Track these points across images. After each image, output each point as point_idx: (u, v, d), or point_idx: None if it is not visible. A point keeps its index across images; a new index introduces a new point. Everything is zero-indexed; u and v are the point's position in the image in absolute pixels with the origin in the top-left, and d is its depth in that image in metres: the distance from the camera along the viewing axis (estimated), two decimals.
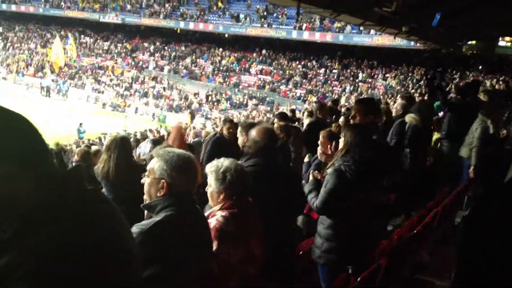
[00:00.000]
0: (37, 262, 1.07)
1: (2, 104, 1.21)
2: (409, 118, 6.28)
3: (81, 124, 25.62)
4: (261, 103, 35.94)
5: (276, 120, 7.01)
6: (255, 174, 3.27)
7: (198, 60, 44.06)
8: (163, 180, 2.34)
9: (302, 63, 40.15)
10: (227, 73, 41.05)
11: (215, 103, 36.98)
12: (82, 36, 50.61)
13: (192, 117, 33.09)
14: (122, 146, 4.42)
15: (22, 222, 1.12)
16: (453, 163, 7.16)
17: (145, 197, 2.43)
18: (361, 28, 32.03)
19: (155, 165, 2.39)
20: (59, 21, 51.66)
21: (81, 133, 24.51)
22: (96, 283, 1.12)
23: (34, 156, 1.18)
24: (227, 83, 39.94)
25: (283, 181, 3.63)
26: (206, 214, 2.80)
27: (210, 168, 2.89)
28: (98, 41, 49.87)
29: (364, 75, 36.25)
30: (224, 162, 2.88)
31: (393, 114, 6.72)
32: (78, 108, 34.85)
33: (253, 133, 3.68)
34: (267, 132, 3.71)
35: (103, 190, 4.37)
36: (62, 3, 50.61)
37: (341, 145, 3.82)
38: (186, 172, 2.37)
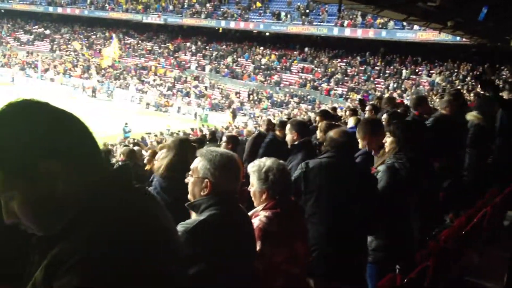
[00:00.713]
0: (89, 251, 1.07)
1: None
2: (471, 116, 6.08)
3: (126, 124, 26.16)
4: (302, 102, 35.76)
5: (318, 118, 6.94)
6: (329, 166, 3.41)
7: (239, 59, 44.26)
8: (206, 179, 2.35)
9: (344, 60, 39.75)
10: (268, 72, 41.06)
11: (257, 102, 37.05)
12: (126, 37, 51.66)
13: (234, 116, 33.40)
14: (180, 147, 4.52)
15: (74, 216, 1.14)
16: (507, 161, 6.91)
17: (189, 196, 2.45)
18: (405, 23, 31.45)
19: (198, 164, 2.40)
20: (103, 23, 52.91)
21: (127, 133, 25.02)
22: (145, 273, 1.11)
23: (84, 155, 1.19)
24: (268, 81, 39.95)
25: (357, 180, 3.61)
26: (250, 213, 2.80)
27: (252, 168, 2.88)
28: (141, 41, 50.79)
29: (408, 71, 35.56)
30: (266, 161, 2.87)
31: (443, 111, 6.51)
32: (123, 108, 35.60)
33: (332, 133, 3.69)
34: (347, 132, 3.74)
35: (153, 188, 4.46)
36: (107, 5, 51.84)
37: (389, 142, 3.76)
38: (229, 171, 2.38)
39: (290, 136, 4.72)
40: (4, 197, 1.14)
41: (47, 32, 55.55)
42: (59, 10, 53.68)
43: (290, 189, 2.93)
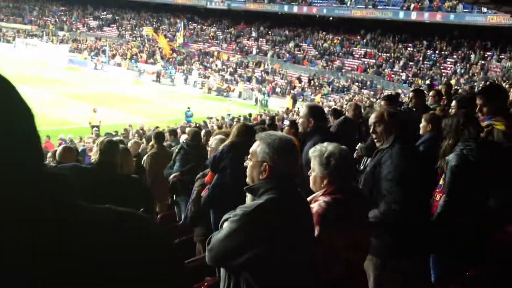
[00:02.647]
0: None
1: None
2: None
3: (188, 108, 26.61)
4: (364, 87, 35.09)
5: (383, 103, 6.75)
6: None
7: (301, 44, 43.92)
8: (265, 163, 2.33)
9: (409, 44, 38.59)
10: (330, 57, 40.52)
11: (317, 88, 36.70)
12: (190, 22, 52.41)
13: (294, 101, 33.24)
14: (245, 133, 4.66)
15: None
16: None
17: (247, 180, 2.45)
18: (474, 6, 30.10)
19: (257, 148, 2.39)
20: (169, 8, 53.92)
21: (189, 117, 25.45)
22: None
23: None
24: (330, 67, 39.44)
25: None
26: (309, 198, 2.77)
27: (314, 153, 2.84)
28: (205, 27, 51.38)
29: (476, 56, 34.06)
30: (328, 146, 2.82)
31: None
32: (186, 93, 36.27)
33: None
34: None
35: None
36: None
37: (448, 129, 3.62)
38: (288, 154, 2.35)
39: (305, 121, 4.49)
40: None
41: (115, 18, 57.23)
42: None
43: (352, 175, 2.87)
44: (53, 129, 21.43)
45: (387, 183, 3.28)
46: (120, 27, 55.07)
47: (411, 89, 29.12)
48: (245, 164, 2.48)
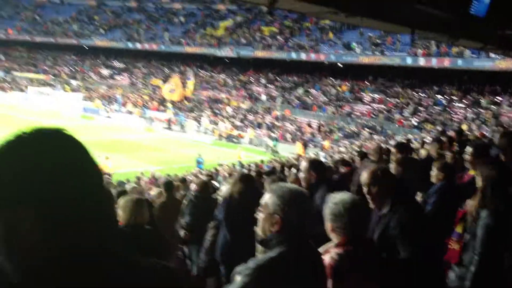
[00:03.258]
0: None
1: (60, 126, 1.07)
2: None
3: (199, 155, 26.74)
4: (374, 133, 35.16)
5: (394, 151, 6.72)
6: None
7: (310, 90, 44.41)
8: (276, 215, 2.34)
9: (418, 90, 38.87)
10: (340, 103, 40.85)
11: (328, 133, 36.84)
12: (200, 70, 53.34)
13: (305, 147, 33.24)
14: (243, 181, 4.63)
15: (40, 267, 0.96)
16: None
17: (259, 231, 2.45)
18: (481, 52, 30.40)
19: (268, 200, 2.39)
20: (179, 57, 55.02)
21: (200, 164, 25.53)
22: None
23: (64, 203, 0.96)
24: (340, 112, 39.71)
25: None
26: (320, 250, 2.75)
27: (326, 204, 2.84)
28: (214, 74, 52.26)
29: (486, 101, 34.16)
30: (341, 196, 2.82)
31: None
32: (196, 140, 36.56)
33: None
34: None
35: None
36: (182, 40, 53.99)
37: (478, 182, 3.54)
38: (299, 206, 2.35)
39: (307, 176, 4.49)
40: None
41: (127, 66, 58.46)
42: (138, 45, 56.44)
43: (366, 226, 2.85)
44: None
45: (405, 250, 3.21)
46: (131, 76, 56.17)
47: (422, 134, 29.23)
48: (256, 215, 2.49)
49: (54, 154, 0.98)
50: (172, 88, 43.84)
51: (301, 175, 4.57)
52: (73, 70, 60.05)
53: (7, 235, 0.94)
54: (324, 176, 4.48)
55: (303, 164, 4.63)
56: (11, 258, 0.95)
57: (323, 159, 19.57)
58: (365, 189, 3.46)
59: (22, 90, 53.12)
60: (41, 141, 0.99)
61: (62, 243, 0.95)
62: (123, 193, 6.44)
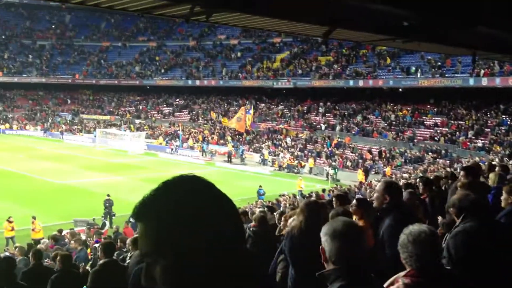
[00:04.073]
0: None
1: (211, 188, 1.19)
2: None
3: (260, 186, 26.87)
4: (439, 157, 34.11)
5: (462, 173, 6.49)
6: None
7: (369, 116, 43.90)
8: (330, 250, 2.34)
9: (482, 111, 37.59)
10: (401, 128, 40.08)
11: (390, 159, 36.10)
12: (258, 102, 54.00)
13: (366, 174, 32.71)
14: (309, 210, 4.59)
15: None
16: None
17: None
18: None
19: (322, 236, 2.41)
20: (237, 91, 56.04)
21: (261, 196, 25.62)
22: None
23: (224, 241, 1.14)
24: (401, 137, 38.91)
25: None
26: (390, 280, 2.72)
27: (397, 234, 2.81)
28: (272, 106, 52.73)
29: None
30: (410, 227, 2.77)
31: None
32: (257, 171, 36.81)
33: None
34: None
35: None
36: (240, 75, 55.07)
37: None
38: (351, 240, 2.33)
39: (380, 197, 4.41)
40: (149, 260, 1.14)
41: (187, 103, 60.08)
42: (197, 82, 58.06)
43: (436, 256, 2.77)
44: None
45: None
46: (191, 112, 57.61)
47: (489, 156, 28.12)
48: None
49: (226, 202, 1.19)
50: (240, 117, 44.53)
51: (375, 194, 4.55)
52: (137, 109, 62.35)
53: (193, 266, 1.12)
54: (398, 200, 4.43)
55: (379, 185, 4.61)
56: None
57: None
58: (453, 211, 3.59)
59: (89, 132, 55.61)
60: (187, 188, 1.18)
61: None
62: None
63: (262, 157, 40.40)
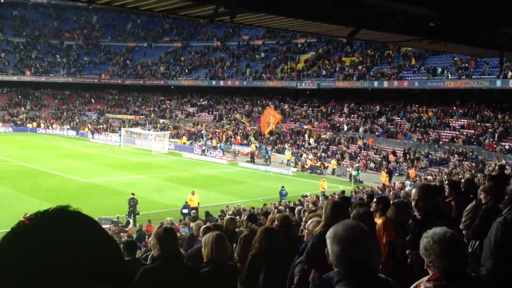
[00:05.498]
0: None
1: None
2: None
3: (283, 187, 26.86)
4: (464, 159, 33.56)
5: (486, 184, 6.38)
6: None
7: (394, 117, 43.47)
8: (334, 253, 2.33)
9: (509, 112, 36.88)
10: (425, 129, 39.57)
11: (414, 161, 35.66)
12: (282, 103, 53.96)
13: (390, 176, 32.31)
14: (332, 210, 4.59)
15: None
16: None
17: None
18: None
19: (328, 238, 2.39)
20: (260, 92, 56.08)
21: (284, 196, 25.63)
22: None
23: None
24: (426, 139, 38.42)
25: None
26: (413, 285, 2.69)
27: (422, 237, 2.78)
28: (296, 107, 52.61)
29: None
30: (435, 230, 2.73)
31: None
32: (280, 172, 36.79)
33: None
34: None
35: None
36: (263, 75, 55.11)
37: None
38: (356, 242, 2.29)
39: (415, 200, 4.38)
40: None
41: (211, 103, 60.37)
42: (221, 83, 58.30)
43: (461, 261, 2.72)
44: (154, 212, 22.55)
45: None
46: (215, 112, 57.86)
47: None
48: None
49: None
50: (268, 121, 44.60)
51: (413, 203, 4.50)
52: (161, 109, 62.89)
53: None
54: (433, 203, 4.42)
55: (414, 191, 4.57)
56: None
57: (408, 188, 18.93)
58: None
59: (114, 131, 56.28)
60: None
61: None
62: (207, 229, 6.55)
63: (282, 158, 40.36)
